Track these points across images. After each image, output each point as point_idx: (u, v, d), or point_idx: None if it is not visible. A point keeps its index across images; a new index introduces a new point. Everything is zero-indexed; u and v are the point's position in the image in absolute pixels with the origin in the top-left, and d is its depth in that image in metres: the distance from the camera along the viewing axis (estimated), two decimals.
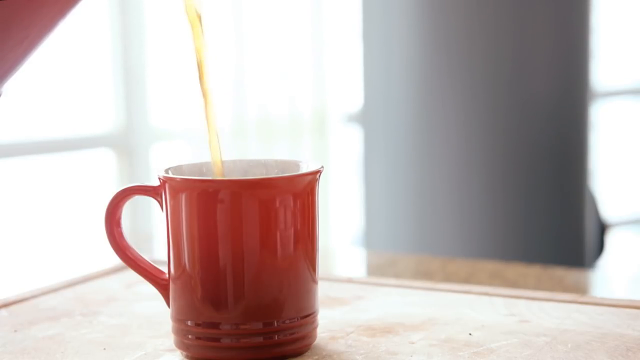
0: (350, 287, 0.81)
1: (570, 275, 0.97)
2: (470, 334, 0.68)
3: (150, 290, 0.70)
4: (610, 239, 2.83)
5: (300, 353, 0.65)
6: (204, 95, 0.67)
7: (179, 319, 0.65)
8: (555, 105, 2.08)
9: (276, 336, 0.64)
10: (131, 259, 0.67)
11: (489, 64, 2.03)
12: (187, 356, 0.65)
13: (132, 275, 0.81)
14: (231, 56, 2.56)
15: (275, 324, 0.64)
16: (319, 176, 0.65)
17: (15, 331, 0.72)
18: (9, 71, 0.64)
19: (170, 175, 0.65)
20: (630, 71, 3.83)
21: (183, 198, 0.63)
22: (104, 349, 0.67)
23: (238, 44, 2.56)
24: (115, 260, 0.70)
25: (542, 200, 2.09)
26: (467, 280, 0.94)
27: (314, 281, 0.65)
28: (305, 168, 0.67)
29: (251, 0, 2.57)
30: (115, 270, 0.88)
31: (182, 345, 0.65)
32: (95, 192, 2.59)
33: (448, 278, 0.95)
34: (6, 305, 0.78)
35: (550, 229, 2.10)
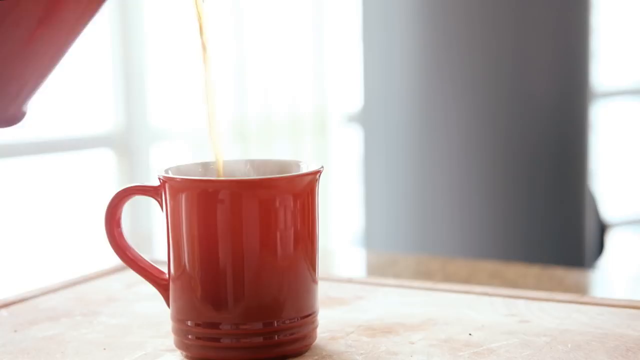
0: (350, 287, 0.81)
1: (570, 275, 0.97)
2: (470, 334, 0.68)
3: (150, 290, 0.70)
4: (610, 239, 2.83)
5: (300, 353, 0.65)
6: (207, 84, 0.67)
7: (179, 319, 0.65)
8: (555, 105, 2.08)
9: (276, 336, 0.64)
10: (131, 259, 0.67)
11: (489, 64, 2.03)
12: (187, 356, 0.65)
13: (132, 275, 0.81)
14: (232, 56, 2.56)
15: (275, 324, 0.63)
16: (319, 176, 0.65)
17: (15, 331, 0.72)
18: (34, 88, 0.64)
19: (170, 175, 0.65)
20: (630, 71, 3.83)
21: (183, 198, 0.63)
22: (104, 349, 0.67)
23: (239, 44, 2.56)
24: (115, 260, 0.70)
25: (542, 200, 2.08)
26: (467, 280, 0.94)
27: (314, 281, 0.65)
28: (305, 168, 0.67)
29: (252, 1, 2.57)
30: (115, 270, 0.88)
31: (182, 345, 0.65)
32: (95, 192, 2.59)
33: (448, 278, 0.95)
34: (6, 305, 0.78)
35: (550, 229, 2.10)
